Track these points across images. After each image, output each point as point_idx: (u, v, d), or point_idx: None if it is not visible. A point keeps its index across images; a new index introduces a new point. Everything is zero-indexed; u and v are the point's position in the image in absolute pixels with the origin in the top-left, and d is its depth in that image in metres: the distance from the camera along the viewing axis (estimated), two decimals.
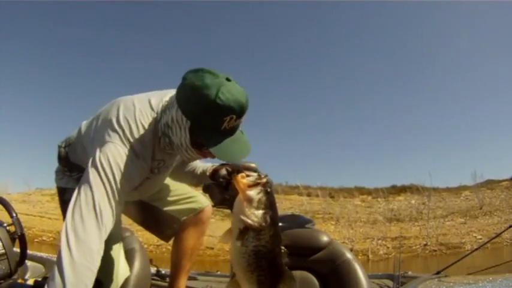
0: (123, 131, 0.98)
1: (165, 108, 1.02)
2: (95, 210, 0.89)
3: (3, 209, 1.56)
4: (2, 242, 1.47)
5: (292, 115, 30.84)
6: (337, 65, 31.58)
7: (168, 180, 1.40)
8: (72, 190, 1.07)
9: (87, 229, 0.87)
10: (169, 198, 1.39)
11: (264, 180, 0.89)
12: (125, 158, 0.96)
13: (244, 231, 0.87)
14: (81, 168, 1.10)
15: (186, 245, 1.42)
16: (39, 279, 1.48)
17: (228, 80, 0.91)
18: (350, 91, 30.59)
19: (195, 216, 1.41)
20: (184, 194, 1.41)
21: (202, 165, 1.36)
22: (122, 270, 1.16)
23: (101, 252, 0.89)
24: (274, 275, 0.90)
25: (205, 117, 0.91)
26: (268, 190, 0.89)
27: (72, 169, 1.19)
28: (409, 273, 1.82)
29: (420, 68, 29.88)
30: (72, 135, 1.20)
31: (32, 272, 2.04)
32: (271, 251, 0.89)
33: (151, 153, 1.03)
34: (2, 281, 1.44)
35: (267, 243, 0.88)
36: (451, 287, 1.01)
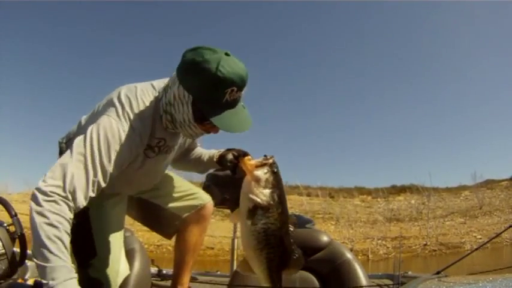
0: (123, 106, 0.99)
1: (167, 87, 1.03)
2: (65, 174, 0.87)
3: (4, 210, 1.56)
4: (2, 242, 1.46)
5: (292, 115, 30.86)
6: (337, 65, 31.60)
7: (170, 177, 1.40)
8: None
9: (50, 188, 0.85)
10: (171, 195, 1.39)
11: (271, 160, 0.92)
12: (116, 130, 0.95)
13: (254, 210, 0.90)
14: None
15: (189, 242, 1.42)
16: (39, 279, 1.48)
17: (227, 54, 0.93)
18: (350, 91, 30.61)
19: (197, 213, 1.41)
20: (185, 191, 1.41)
21: (207, 151, 1.36)
22: (122, 270, 1.17)
23: (66, 216, 0.85)
24: (283, 252, 0.93)
25: (207, 91, 0.92)
26: (275, 170, 0.91)
27: None
28: (409, 273, 1.82)
29: (419, 68, 29.92)
30: (72, 129, 1.20)
31: (32, 272, 2.03)
32: (280, 229, 0.92)
33: (150, 129, 1.03)
34: (2, 281, 1.44)
35: (275, 221, 0.91)
36: (451, 287, 1.01)
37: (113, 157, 0.94)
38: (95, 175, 0.91)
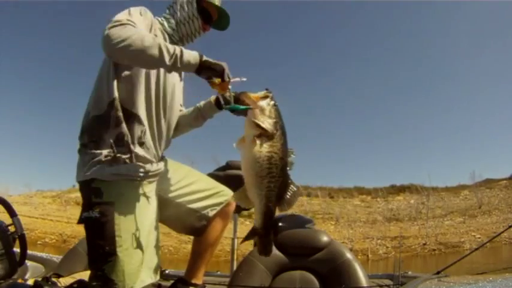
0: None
1: (172, 3, 1.31)
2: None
3: (4, 211, 1.56)
4: (2, 242, 1.46)
5: (291, 116, 30.78)
6: (337, 66, 31.59)
7: (194, 176, 1.42)
8: (99, 181, 1.07)
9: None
10: (198, 195, 1.39)
11: (271, 94, 0.98)
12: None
13: (259, 136, 0.94)
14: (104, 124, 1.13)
15: (210, 238, 1.42)
16: (39, 279, 1.48)
17: None
18: (349, 92, 30.62)
19: (222, 210, 1.42)
20: (211, 189, 1.42)
21: (200, 103, 1.40)
22: (143, 277, 1.10)
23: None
24: (282, 184, 0.96)
25: None
26: (276, 103, 0.97)
27: (95, 136, 1.13)
28: (409, 273, 1.81)
29: (418, 69, 29.93)
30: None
31: (32, 272, 2.03)
32: (282, 159, 0.95)
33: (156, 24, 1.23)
34: (2, 281, 1.44)
35: (279, 150, 0.94)
36: (451, 287, 1.01)
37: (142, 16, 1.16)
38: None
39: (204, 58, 1.06)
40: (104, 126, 1.13)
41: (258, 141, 0.93)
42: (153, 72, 1.19)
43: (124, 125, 1.13)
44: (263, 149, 0.93)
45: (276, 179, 0.94)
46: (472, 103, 29.61)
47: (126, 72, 1.16)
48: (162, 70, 1.21)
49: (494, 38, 29.36)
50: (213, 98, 1.34)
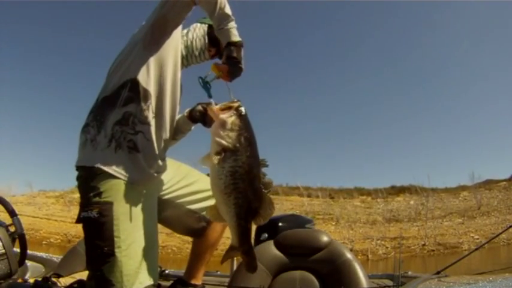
0: None
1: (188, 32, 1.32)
2: None
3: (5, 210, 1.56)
4: (2, 242, 1.46)
5: (292, 117, 30.89)
6: (336, 67, 31.64)
7: (195, 177, 1.41)
8: (100, 171, 1.05)
9: None
10: (197, 196, 1.39)
11: (236, 104, 0.92)
12: None
13: (221, 153, 0.89)
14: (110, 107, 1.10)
15: (210, 239, 1.42)
16: (39, 279, 1.48)
17: None
18: (350, 93, 30.66)
19: None
20: (210, 190, 1.41)
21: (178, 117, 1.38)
22: (143, 278, 1.08)
23: None
24: (253, 198, 0.90)
25: None
26: (242, 113, 0.91)
27: (100, 118, 1.11)
28: (409, 273, 1.82)
29: (418, 70, 29.97)
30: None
31: (32, 272, 2.03)
32: (249, 172, 0.89)
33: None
34: (2, 281, 1.43)
35: (243, 163, 0.89)
36: (451, 287, 1.02)
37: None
38: None
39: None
40: (111, 105, 1.11)
41: (219, 157, 0.89)
42: (171, 65, 1.17)
43: (133, 105, 1.11)
44: (225, 164, 0.88)
45: (244, 194, 0.89)
46: (472, 103, 29.69)
47: (151, 57, 1.14)
48: (179, 66, 1.21)
49: (493, 37, 29.44)
50: (186, 111, 1.32)
